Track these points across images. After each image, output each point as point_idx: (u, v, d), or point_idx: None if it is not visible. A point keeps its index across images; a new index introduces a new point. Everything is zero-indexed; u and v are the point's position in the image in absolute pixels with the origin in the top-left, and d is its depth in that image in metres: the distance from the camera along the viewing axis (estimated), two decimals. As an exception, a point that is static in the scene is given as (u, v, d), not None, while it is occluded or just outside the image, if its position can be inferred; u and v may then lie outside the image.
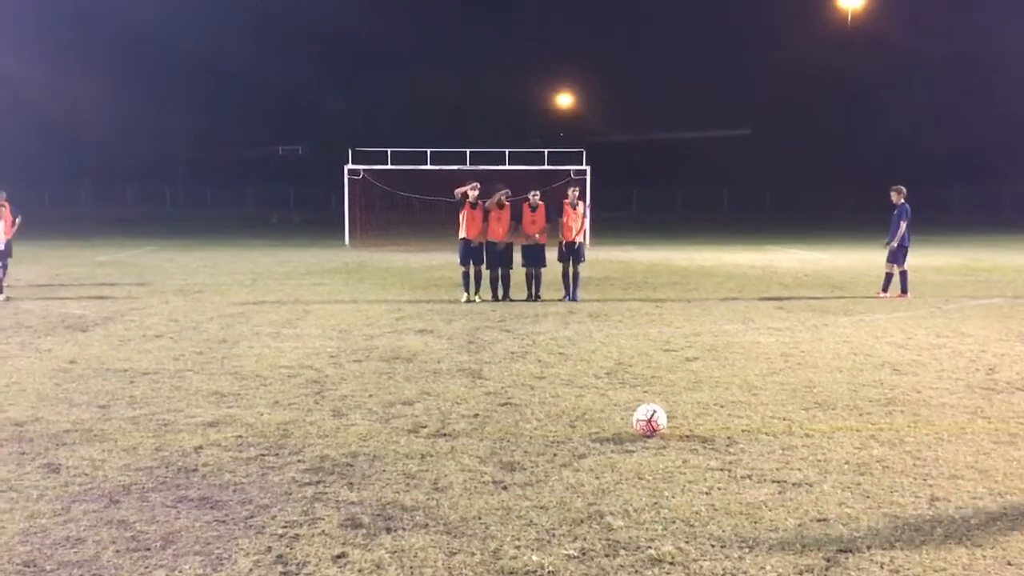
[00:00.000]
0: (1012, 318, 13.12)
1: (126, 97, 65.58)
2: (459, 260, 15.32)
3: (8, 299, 15.17)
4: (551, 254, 15.51)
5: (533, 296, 15.35)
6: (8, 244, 16.08)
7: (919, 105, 63.74)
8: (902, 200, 15.64)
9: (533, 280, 15.42)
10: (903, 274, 15.70)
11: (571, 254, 15.43)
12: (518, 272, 15.55)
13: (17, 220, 16.72)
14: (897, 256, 15.62)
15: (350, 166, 33.23)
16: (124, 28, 65.04)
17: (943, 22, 62.89)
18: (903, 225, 15.44)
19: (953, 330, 12.01)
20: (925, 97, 63.59)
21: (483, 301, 15.03)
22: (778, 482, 5.79)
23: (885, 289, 15.80)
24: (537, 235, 15.32)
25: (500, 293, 15.28)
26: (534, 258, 15.41)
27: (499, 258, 15.24)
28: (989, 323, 12.64)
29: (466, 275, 15.19)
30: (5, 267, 16.12)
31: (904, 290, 15.64)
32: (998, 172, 60.74)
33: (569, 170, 32.45)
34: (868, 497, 5.53)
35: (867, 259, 25.20)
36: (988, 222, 45.05)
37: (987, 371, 9.29)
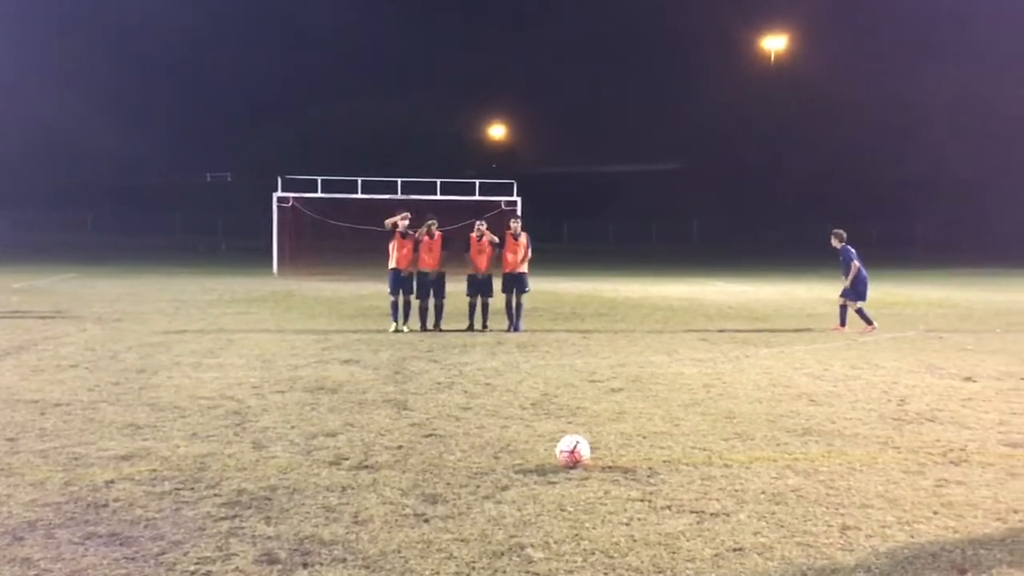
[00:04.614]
0: (924, 351, 13.58)
1: (45, 119, 63.70)
2: (388, 289, 15.27)
3: None
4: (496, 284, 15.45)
5: (482, 326, 15.32)
6: None
7: (840, 143, 66.25)
8: (843, 243, 16.06)
9: (482, 309, 15.39)
10: (843, 308, 16.04)
11: (514, 284, 15.47)
12: (450, 302, 15.53)
13: None
14: (856, 293, 15.86)
15: (279, 193, 32.91)
16: (46, 47, 63.41)
17: (861, 65, 65.63)
18: (854, 265, 15.75)
19: (867, 362, 12.38)
20: (845, 136, 66.15)
21: (411, 331, 14.97)
22: (696, 512, 5.88)
23: (868, 322, 15.89)
24: (483, 267, 15.29)
25: (430, 323, 15.23)
26: (485, 288, 15.39)
27: (429, 288, 15.22)
28: (902, 355, 13.07)
29: (395, 304, 15.12)
30: None
31: (842, 323, 16.00)
32: (912, 209, 63.41)
33: (500, 201, 32.66)
34: (782, 527, 5.65)
35: (789, 292, 25.89)
36: (903, 257, 46.63)
37: (898, 402, 9.58)
